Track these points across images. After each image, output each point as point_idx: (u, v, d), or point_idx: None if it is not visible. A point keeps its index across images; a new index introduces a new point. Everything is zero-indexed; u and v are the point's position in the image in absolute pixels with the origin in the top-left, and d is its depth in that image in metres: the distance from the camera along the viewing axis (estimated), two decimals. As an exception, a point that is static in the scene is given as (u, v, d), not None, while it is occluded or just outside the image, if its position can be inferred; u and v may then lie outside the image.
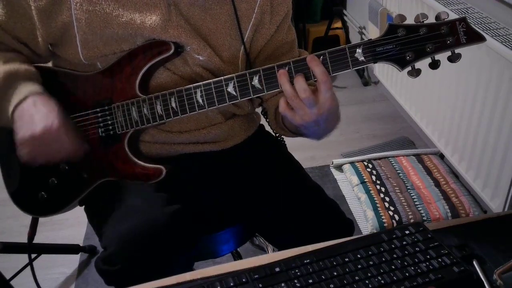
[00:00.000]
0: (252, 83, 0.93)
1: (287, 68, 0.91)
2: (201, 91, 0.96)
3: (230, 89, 0.94)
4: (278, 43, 1.10)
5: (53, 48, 1.03)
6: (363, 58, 0.89)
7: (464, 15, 1.82)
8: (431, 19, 0.86)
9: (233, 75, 0.94)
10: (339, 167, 2.33)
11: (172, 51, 0.98)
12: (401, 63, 0.88)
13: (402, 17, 0.87)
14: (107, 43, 0.98)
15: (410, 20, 0.88)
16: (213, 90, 0.95)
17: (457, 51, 0.87)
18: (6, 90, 0.97)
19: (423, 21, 0.87)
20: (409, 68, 0.89)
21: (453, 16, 1.77)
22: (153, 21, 0.96)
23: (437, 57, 0.88)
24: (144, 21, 0.96)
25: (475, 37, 0.85)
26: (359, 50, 0.88)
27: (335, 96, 0.90)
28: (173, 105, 0.98)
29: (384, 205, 2.02)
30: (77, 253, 1.94)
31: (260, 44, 1.08)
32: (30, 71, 1.01)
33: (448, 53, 0.87)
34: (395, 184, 2.12)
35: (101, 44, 0.98)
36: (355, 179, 2.18)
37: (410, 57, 0.87)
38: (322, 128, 0.96)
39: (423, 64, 0.88)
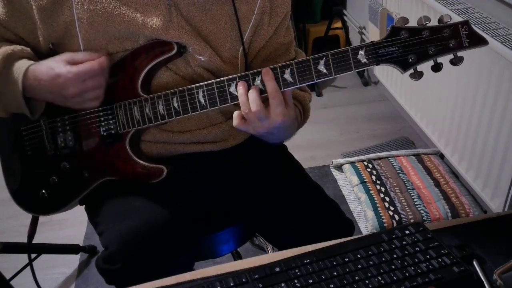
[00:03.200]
0: (255, 84, 0.93)
1: (289, 70, 0.91)
2: (203, 91, 0.96)
3: (233, 89, 0.94)
4: (276, 45, 1.10)
5: (54, 47, 1.03)
6: (365, 60, 0.89)
7: (465, 16, 1.84)
8: (434, 22, 0.86)
9: (236, 75, 0.94)
10: (339, 167, 2.33)
11: (174, 51, 0.98)
12: (404, 66, 0.88)
13: (405, 20, 0.88)
14: (109, 42, 0.98)
15: (412, 22, 0.88)
16: (216, 91, 0.95)
17: (459, 54, 0.87)
18: (8, 71, 0.97)
19: (425, 24, 0.87)
20: (411, 71, 0.89)
21: (455, 17, 1.78)
22: (154, 22, 0.96)
23: (439, 59, 0.88)
24: (145, 21, 0.96)
25: (477, 40, 0.86)
26: (361, 52, 0.89)
27: (286, 111, 0.92)
28: (175, 105, 0.98)
29: (384, 205, 2.02)
30: (77, 253, 1.94)
31: (258, 45, 1.08)
32: (26, 50, 1.00)
33: (451, 56, 0.87)
34: (395, 184, 2.13)
35: (103, 43, 0.98)
36: (355, 179, 2.18)
37: (413, 59, 0.87)
38: (277, 137, 0.99)
39: (424, 66, 0.88)
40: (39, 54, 1.05)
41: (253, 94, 0.91)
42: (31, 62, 0.97)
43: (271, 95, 0.91)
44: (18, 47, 0.99)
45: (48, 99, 0.99)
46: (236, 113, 0.94)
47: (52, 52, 1.04)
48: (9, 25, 0.99)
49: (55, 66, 0.95)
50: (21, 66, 0.96)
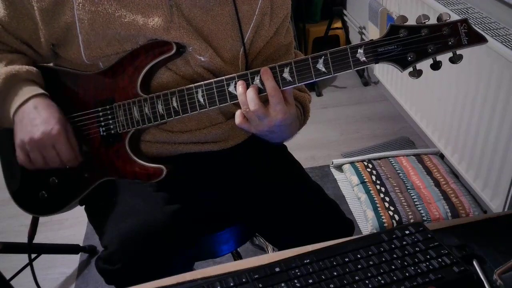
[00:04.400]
0: (254, 83, 0.93)
1: (288, 69, 0.91)
2: (202, 91, 0.96)
3: (232, 88, 0.94)
4: (276, 45, 1.10)
5: (55, 48, 1.03)
6: (364, 58, 0.89)
7: (465, 16, 1.84)
8: (433, 20, 0.86)
9: (235, 75, 0.94)
10: (339, 167, 2.33)
11: (174, 51, 0.98)
12: (403, 64, 0.88)
13: (404, 18, 0.88)
14: (110, 44, 0.98)
15: (411, 21, 0.88)
16: (215, 90, 0.95)
17: (458, 52, 0.87)
18: (8, 92, 0.98)
19: (424, 22, 0.87)
20: (411, 69, 0.89)
21: (454, 17, 1.78)
22: (155, 23, 0.96)
23: (438, 58, 0.88)
24: (146, 22, 0.96)
25: (476, 39, 0.86)
26: (360, 51, 0.89)
27: (286, 109, 0.93)
28: (175, 104, 0.98)
29: (384, 205, 2.02)
30: (77, 253, 1.94)
31: (259, 46, 1.08)
32: (32, 72, 1.01)
33: (450, 54, 0.87)
34: (395, 184, 2.13)
35: (103, 44, 0.98)
36: (355, 179, 2.18)
37: (412, 57, 0.87)
38: (279, 135, 0.99)
39: (424, 64, 0.88)
40: (40, 56, 1.05)
41: (251, 94, 0.91)
42: (39, 91, 0.99)
43: (270, 93, 0.91)
44: (23, 69, 1.00)
45: (15, 133, 0.99)
46: (238, 112, 0.94)
47: (53, 53, 1.05)
48: (10, 27, 1.00)
49: (51, 116, 0.97)
50: (27, 91, 0.98)
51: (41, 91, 0.99)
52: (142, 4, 0.96)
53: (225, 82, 0.95)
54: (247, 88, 0.92)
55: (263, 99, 0.92)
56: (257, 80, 0.93)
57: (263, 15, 1.05)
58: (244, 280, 0.73)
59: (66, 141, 0.97)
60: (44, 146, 0.96)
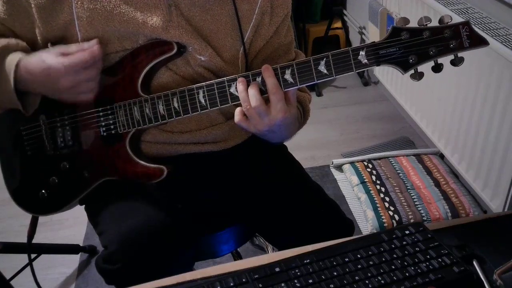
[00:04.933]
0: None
1: (290, 70, 0.91)
2: (203, 92, 0.96)
3: (233, 89, 0.94)
4: (276, 45, 1.10)
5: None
6: (366, 60, 0.89)
7: (465, 16, 1.84)
8: (435, 22, 0.86)
9: (236, 76, 0.94)
10: (339, 167, 2.33)
11: (174, 51, 0.98)
12: (404, 66, 0.88)
13: (405, 20, 0.88)
14: (109, 42, 0.98)
15: (413, 22, 0.88)
16: (216, 91, 0.95)
17: (460, 54, 0.87)
18: (1, 64, 0.96)
19: (426, 25, 0.87)
20: (412, 71, 0.89)
21: (455, 17, 1.78)
22: (154, 22, 0.96)
23: (440, 60, 0.88)
24: (145, 20, 0.96)
25: (478, 41, 0.86)
26: (362, 53, 0.89)
27: (287, 107, 0.92)
28: (175, 105, 0.98)
29: (384, 205, 2.02)
30: (77, 253, 1.94)
31: (259, 45, 1.08)
32: (21, 44, 1.00)
33: (451, 57, 0.87)
34: (395, 184, 2.13)
35: (103, 42, 0.98)
36: (355, 179, 2.18)
37: (413, 60, 0.87)
38: (278, 135, 0.99)
39: (425, 66, 0.88)
40: None
41: (252, 90, 0.91)
42: (22, 54, 0.96)
43: (271, 91, 0.91)
44: (13, 40, 0.98)
45: (42, 92, 0.98)
46: (238, 110, 0.94)
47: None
48: (7, 24, 0.99)
49: (46, 57, 0.94)
50: (13, 59, 0.95)
51: (21, 54, 0.96)
52: (141, 2, 0.96)
53: (226, 83, 0.95)
54: (248, 86, 0.92)
55: (264, 100, 0.92)
56: (258, 81, 0.93)
57: (263, 14, 1.05)
58: (244, 280, 0.73)
59: (75, 56, 0.93)
60: (77, 71, 0.93)
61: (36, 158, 1.07)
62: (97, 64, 0.96)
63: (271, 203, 1.08)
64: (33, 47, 1.02)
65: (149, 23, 0.96)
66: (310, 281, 0.72)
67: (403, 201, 2.03)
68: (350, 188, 2.21)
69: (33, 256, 1.75)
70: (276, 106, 0.91)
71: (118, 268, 0.94)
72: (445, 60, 0.88)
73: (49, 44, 1.02)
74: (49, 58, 0.93)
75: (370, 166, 2.25)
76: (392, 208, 2.00)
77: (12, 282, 1.63)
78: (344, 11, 3.35)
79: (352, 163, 2.30)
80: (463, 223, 0.87)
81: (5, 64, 0.96)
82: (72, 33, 0.97)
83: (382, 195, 2.07)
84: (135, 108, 1.00)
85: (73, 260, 1.94)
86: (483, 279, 0.74)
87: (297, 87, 0.93)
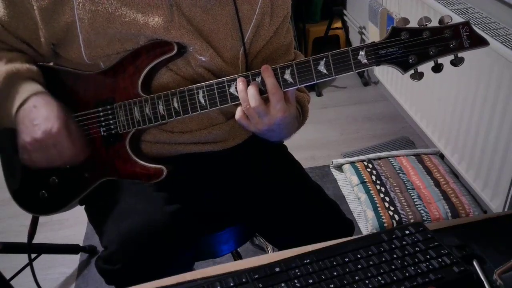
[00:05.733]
0: None
1: (289, 70, 0.91)
2: (203, 92, 0.96)
3: (233, 90, 0.94)
4: (276, 45, 1.10)
5: (55, 48, 1.03)
6: (366, 60, 0.89)
7: (465, 16, 1.84)
8: (435, 23, 0.86)
9: (236, 76, 0.94)
10: (339, 167, 2.33)
11: (175, 51, 0.98)
12: (404, 66, 0.88)
13: (405, 20, 0.88)
14: (110, 43, 0.98)
15: (413, 22, 0.88)
16: (216, 91, 0.95)
17: (460, 55, 0.87)
18: (9, 91, 0.97)
19: (426, 25, 0.87)
20: (412, 71, 0.89)
21: (455, 17, 1.78)
22: (155, 22, 0.96)
23: (440, 60, 0.88)
24: (147, 21, 0.96)
25: (478, 41, 0.86)
26: (362, 53, 0.89)
27: (286, 107, 0.93)
28: (175, 105, 0.98)
29: (384, 205, 2.02)
30: (77, 253, 1.94)
31: (259, 45, 1.08)
32: (32, 70, 1.01)
33: (451, 57, 0.87)
34: (395, 184, 2.13)
35: (104, 44, 0.98)
36: (355, 179, 2.19)
37: (413, 60, 0.87)
38: (278, 135, 0.99)
39: (425, 67, 0.88)
40: (40, 56, 1.05)
41: (252, 90, 0.91)
42: (38, 89, 0.98)
43: (271, 91, 0.91)
44: (24, 67, 0.99)
45: (19, 125, 0.98)
46: (239, 108, 0.94)
47: (53, 53, 1.05)
48: (10, 26, 1.00)
49: (52, 115, 0.95)
50: (35, 89, 0.98)
51: (40, 89, 0.99)
52: (142, 3, 0.96)
53: (226, 83, 0.95)
54: (248, 85, 0.93)
55: (264, 99, 0.92)
56: (258, 80, 0.93)
57: (263, 15, 1.05)
58: (244, 280, 0.73)
59: (67, 139, 0.96)
60: (46, 146, 0.95)
61: (36, 158, 1.07)
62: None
63: (271, 203, 1.08)
64: (37, 48, 1.03)
65: (150, 23, 0.96)
66: (310, 281, 0.72)
67: (403, 201, 2.03)
68: (350, 188, 2.21)
69: (33, 256, 1.75)
70: (275, 106, 0.91)
71: (118, 268, 0.94)
72: (445, 60, 0.88)
73: (51, 46, 1.02)
74: (54, 116, 0.95)
75: (370, 166, 2.25)
76: (392, 208, 2.00)
77: (12, 282, 1.63)
78: (344, 11, 3.35)
79: (352, 163, 2.30)
80: (463, 223, 0.87)
81: (18, 89, 0.97)
82: (73, 34, 0.97)
83: (382, 195, 2.07)
84: (135, 108, 1.00)
85: (73, 260, 1.94)
86: (483, 279, 0.74)
87: (296, 87, 0.93)
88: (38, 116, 0.95)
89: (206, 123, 1.09)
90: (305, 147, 2.52)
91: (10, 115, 0.98)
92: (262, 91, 0.93)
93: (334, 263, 0.75)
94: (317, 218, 1.07)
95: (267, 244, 1.83)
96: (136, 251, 0.94)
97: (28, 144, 0.95)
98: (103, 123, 1.03)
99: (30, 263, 1.47)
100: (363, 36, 3.08)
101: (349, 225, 1.11)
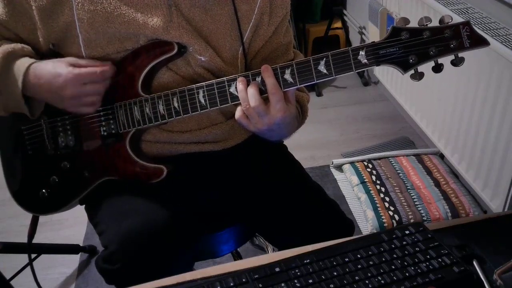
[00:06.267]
0: None
1: (289, 70, 0.91)
2: (203, 92, 0.96)
3: (233, 89, 0.95)
4: (275, 45, 1.10)
5: (55, 47, 1.03)
6: (366, 60, 0.89)
7: (465, 16, 1.84)
8: (435, 23, 0.86)
9: (236, 75, 0.94)
10: (339, 167, 2.33)
11: (175, 51, 0.98)
12: (404, 66, 0.88)
13: (405, 20, 0.88)
14: (110, 42, 0.98)
15: (413, 22, 0.88)
16: (216, 91, 0.95)
17: (460, 55, 0.87)
18: (8, 70, 0.97)
19: (426, 25, 0.87)
20: (412, 71, 0.89)
21: (455, 17, 1.77)
22: (154, 22, 0.96)
23: (440, 60, 0.88)
24: (146, 21, 0.96)
25: (479, 41, 0.85)
26: (362, 53, 0.89)
27: (286, 107, 0.93)
28: (176, 105, 0.98)
29: (384, 205, 2.02)
30: (77, 253, 1.94)
31: (258, 45, 1.08)
32: (26, 48, 1.00)
33: (452, 57, 0.87)
34: (395, 184, 2.13)
35: (104, 43, 0.98)
36: (355, 179, 2.18)
37: (413, 60, 0.87)
38: (277, 134, 1.00)
39: (425, 67, 0.88)
40: (40, 55, 1.05)
41: (252, 90, 0.92)
42: (33, 60, 0.98)
43: (270, 91, 0.91)
44: (18, 45, 0.99)
45: (46, 99, 1.00)
46: (239, 107, 0.95)
47: (52, 52, 1.04)
48: (9, 25, 1.00)
49: (57, 65, 0.96)
50: (22, 64, 0.97)
51: (32, 60, 0.98)
52: (141, 3, 0.96)
53: (226, 83, 0.95)
54: (248, 85, 0.93)
55: (264, 99, 0.93)
56: (258, 80, 0.93)
57: (262, 15, 1.05)
58: (244, 280, 0.73)
59: (86, 68, 0.96)
60: (81, 85, 0.95)
61: (37, 157, 1.08)
62: (104, 82, 0.98)
63: (271, 203, 1.08)
64: (35, 48, 1.03)
65: (149, 23, 0.96)
66: (310, 281, 0.72)
67: (403, 201, 2.03)
68: (350, 188, 2.21)
69: (33, 256, 1.75)
70: (275, 106, 0.91)
71: (118, 268, 0.94)
72: (446, 60, 0.88)
73: (50, 45, 1.02)
74: (60, 66, 0.96)
75: (370, 166, 2.25)
76: (392, 208, 2.00)
77: (12, 282, 1.63)
78: (344, 11, 3.35)
79: (352, 163, 2.30)
80: (463, 223, 0.87)
81: (14, 68, 0.97)
82: (73, 34, 0.97)
83: (382, 195, 2.07)
84: (135, 107, 1.00)
85: (73, 260, 1.94)
86: (483, 279, 0.74)
87: (296, 87, 0.93)
88: (48, 74, 0.95)
89: (206, 122, 1.09)
90: (305, 147, 2.52)
91: (15, 93, 0.97)
92: (262, 91, 0.93)
93: (334, 263, 0.75)
94: (317, 218, 1.07)
95: (267, 244, 1.83)
96: (136, 251, 0.94)
97: (71, 97, 0.96)
98: (103, 123, 1.03)
99: (30, 263, 1.47)
100: (363, 36, 3.08)
101: (349, 225, 1.11)
